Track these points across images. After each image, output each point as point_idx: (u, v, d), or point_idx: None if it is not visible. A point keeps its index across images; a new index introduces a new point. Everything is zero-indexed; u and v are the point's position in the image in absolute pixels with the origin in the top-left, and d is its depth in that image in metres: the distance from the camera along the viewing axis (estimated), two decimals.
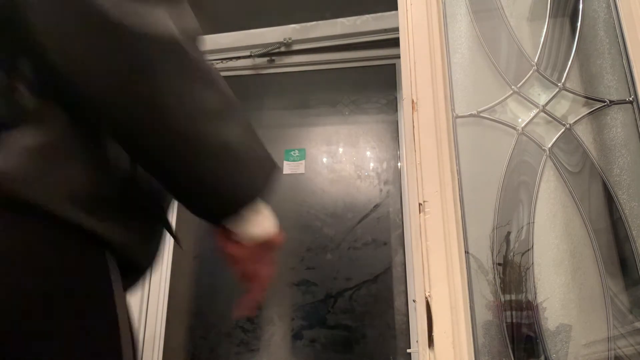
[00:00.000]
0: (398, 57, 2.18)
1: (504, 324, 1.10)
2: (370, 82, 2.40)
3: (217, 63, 2.47)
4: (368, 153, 2.28)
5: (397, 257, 2.12)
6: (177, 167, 0.61)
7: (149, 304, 2.08)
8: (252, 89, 2.46)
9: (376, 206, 2.19)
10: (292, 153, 2.28)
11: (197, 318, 2.25)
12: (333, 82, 2.43)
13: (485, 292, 1.12)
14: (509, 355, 1.08)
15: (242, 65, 2.42)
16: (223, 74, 2.47)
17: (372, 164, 2.25)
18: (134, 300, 2.04)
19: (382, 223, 2.17)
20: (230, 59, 2.41)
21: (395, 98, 2.29)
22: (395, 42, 1.34)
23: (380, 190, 2.20)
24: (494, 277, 1.13)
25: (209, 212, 0.66)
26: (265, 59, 2.40)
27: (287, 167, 2.26)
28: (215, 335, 2.20)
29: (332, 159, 2.29)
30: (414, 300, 1.10)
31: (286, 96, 2.46)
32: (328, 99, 2.41)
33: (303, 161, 2.25)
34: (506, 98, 1.27)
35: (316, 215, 2.23)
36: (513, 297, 1.13)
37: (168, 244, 2.18)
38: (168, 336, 2.09)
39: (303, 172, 2.26)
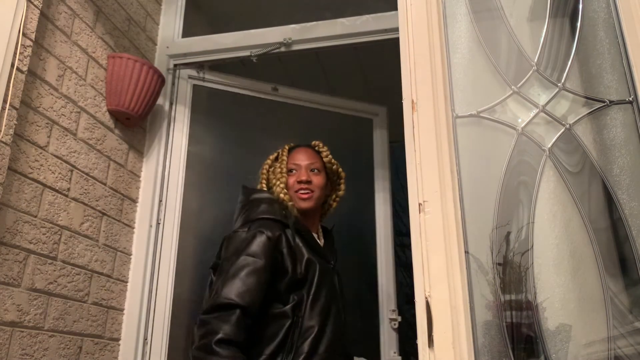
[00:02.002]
0: (376, 114, 2.61)
1: (504, 324, 1.10)
2: (351, 130, 2.67)
3: (217, 63, 2.47)
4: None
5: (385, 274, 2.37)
6: None
7: (157, 306, 2.08)
8: (258, 110, 2.55)
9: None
10: None
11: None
12: (320, 123, 2.62)
13: (485, 292, 1.12)
14: (509, 355, 1.08)
15: (246, 87, 2.52)
16: (226, 88, 2.49)
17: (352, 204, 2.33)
18: (142, 302, 2.04)
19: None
20: (231, 59, 2.41)
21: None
22: (395, 43, 1.34)
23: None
24: (494, 277, 1.13)
25: None
26: (269, 86, 2.53)
27: None
28: None
29: None
30: (414, 301, 1.09)
31: (285, 126, 2.58)
32: (315, 137, 2.59)
33: None
34: (506, 98, 1.27)
35: None
36: (513, 297, 1.13)
37: (172, 249, 2.18)
38: (172, 336, 2.09)
39: None
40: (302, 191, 1.65)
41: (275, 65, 2.82)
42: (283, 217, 1.58)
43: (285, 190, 1.64)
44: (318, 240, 1.70)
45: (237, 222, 1.64)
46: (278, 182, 1.65)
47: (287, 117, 2.58)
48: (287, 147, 1.76)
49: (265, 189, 1.70)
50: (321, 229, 1.77)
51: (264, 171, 1.73)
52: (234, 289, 1.40)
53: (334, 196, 1.79)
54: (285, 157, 1.71)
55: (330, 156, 1.76)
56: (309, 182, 1.66)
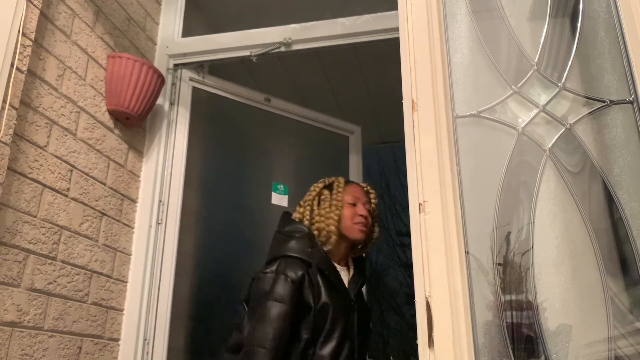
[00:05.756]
0: (352, 132, 2.85)
1: (504, 324, 1.10)
2: (328, 145, 2.86)
3: (217, 63, 2.48)
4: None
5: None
6: None
7: (157, 306, 2.08)
8: (253, 119, 2.64)
9: None
10: (278, 186, 2.58)
11: (198, 322, 2.26)
12: (302, 134, 2.78)
13: (485, 292, 1.12)
14: (509, 355, 1.07)
15: (242, 94, 2.57)
16: (224, 94, 2.58)
17: None
18: (141, 302, 2.04)
19: None
20: (230, 59, 2.41)
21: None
22: (394, 43, 1.34)
23: None
24: (494, 277, 1.13)
25: None
26: (262, 96, 2.61)
27: (274, 198, 2.56)
28: (216, 339, 2.21)
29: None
30: (414, 301, 1.09)
31: (277, 135, 2.72)
32: (302, 148, 2.79)
33: (286, 196, 2.55)
34: (506, 98, 1.27)
35: None
36: (513, 297, 1.13)
37: (172, 249, 2.18)
38: (172, 336, 2.09)
39: (286, 205, 2.53)
40: (361, 225, 1.75)
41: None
42: (308, 255, 1.66)
43: (337, 223, 1.72)
44: (347, 272, 1.78)
45: (270, 251, 1.74)
46: (332, 214, 1.73)
47: (278, 124, 2.72)
48: (342, 180, 1.83)
49: (306, 214, 1.76)
50: (352, 260, 1.85)
51: (310, 198, 1.79)
52: (265, 335, 1.52)
53: (369, 238, 1.87)
54: (341, 189, 1.79)
55: (376, 200, 1.86)
56: (366, 217, 1.76)
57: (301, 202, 1.82)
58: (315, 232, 1.72)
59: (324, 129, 2.82)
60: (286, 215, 1.84)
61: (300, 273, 1.60)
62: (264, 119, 2.65)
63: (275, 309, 1.55)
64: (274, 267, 1.64)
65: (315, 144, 2.82)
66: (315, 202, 1.79)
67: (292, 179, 2.66)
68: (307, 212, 1.77)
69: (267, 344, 1.51)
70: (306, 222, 1.74)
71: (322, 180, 1.86)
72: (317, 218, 1.75)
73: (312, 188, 1.83)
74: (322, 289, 1.62)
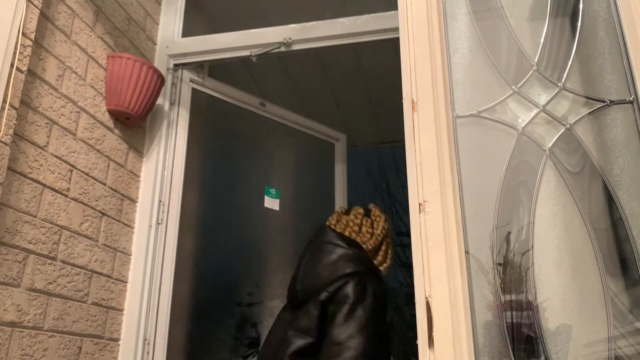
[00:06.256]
0: (337, 140, 2.90)
1: (504, 324, 1.10)
2: (316, 151, 2.92)
3: (217, 63, 2.48)
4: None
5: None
6: None
7: (157, 306, 2.08)
8: (250, 122, 2.68)
9: None
10: (271, 190, 2.64)
11: (198, 322, 2.27)
12: (295, 139, 2.84)
13: (485, 292, 1.12)
14: (509, 355, 1.07)
15: (238, 98, 2.59)
16: (221, 97, 2.60)
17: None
18: (141, 302, 2.04)
19: None
20: (231, 59, 2.41)
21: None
22: (394, 43, 1.34)
23: None
24: (494, 277, 1.13)
25: None
26: (257, 101, 2.65)
27: (267, 201, 2.62)
28: (215, 339, 2.22)
29: (300, 204, 2.69)
30: (414, 301, 1.09)
31: (272, 139, 2.77)
32: (293, 152, 2.85)
33: (278, 200, 2.63)
34: (506, 98, 1.27)
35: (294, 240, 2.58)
36: (513, 297, 1.13)
37: (172, 249, 2.18)
38: (172, 336, 2.10)
39: (278, 209, 2.60)
40: None
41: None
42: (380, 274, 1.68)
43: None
44: None
45: (338, 265, 1.62)
46: (389, 260, 1.75)
47: (273, 129, 2.76)
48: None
49: (372, 242, 1.72)
50: None
51: (382, 231, 1.75)
52: (368, 346, 1.47)
53: None
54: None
55: None
56: None
57: (368, 229, 1.75)
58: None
59: (313, 135, 2.85)
60: (334, 230, 1.75)
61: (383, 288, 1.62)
62: (259, 123, 2.68)
63: (373, 320, 1.52)
64: (370, 277, 1.59)
65: (306, 149, 2.85)
66: (384, 239, 1.77)
67: (285, 183, 2.69)
68: (375, 242, 1.73)
69: (369, 354, 1.47)
70: (364, 246, 1.70)
71: (381, 211, 1.83)
72: (380, 254, 1.73)
73: (382, 216, 1.80)
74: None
